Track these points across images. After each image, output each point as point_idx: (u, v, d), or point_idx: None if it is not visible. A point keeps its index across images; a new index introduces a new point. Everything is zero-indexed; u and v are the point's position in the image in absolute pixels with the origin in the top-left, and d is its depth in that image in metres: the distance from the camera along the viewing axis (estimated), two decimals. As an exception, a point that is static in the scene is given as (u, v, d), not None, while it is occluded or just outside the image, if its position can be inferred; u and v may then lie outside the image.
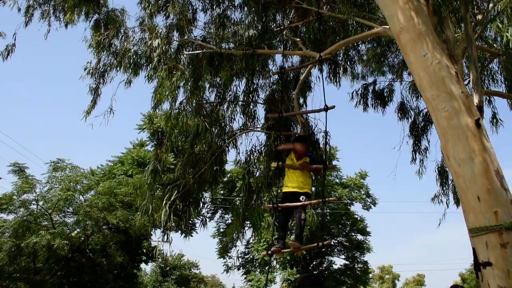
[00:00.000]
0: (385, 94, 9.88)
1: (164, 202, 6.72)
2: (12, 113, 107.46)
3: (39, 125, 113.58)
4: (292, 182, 5.29)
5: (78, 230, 19.64)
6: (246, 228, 9.31)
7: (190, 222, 24.04)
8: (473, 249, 3.85)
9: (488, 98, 9.03)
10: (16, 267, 17.39)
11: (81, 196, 19.50)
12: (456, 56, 5.79)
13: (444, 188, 9.55)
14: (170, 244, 7.34)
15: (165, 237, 7.55)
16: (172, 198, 6.76)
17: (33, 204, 18.25)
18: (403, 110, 9.88)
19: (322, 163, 5.31)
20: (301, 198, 5.16)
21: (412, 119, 9.87)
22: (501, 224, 3.42)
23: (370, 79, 10.28)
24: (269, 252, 4.83)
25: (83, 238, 19.72)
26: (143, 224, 16.46)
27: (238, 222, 7.97)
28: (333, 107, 4.95)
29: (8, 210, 17.94)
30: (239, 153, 8.05)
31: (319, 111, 5.20)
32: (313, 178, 5.55)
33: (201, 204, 8.01)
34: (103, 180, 21.20)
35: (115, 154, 27.59)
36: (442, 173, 9.51)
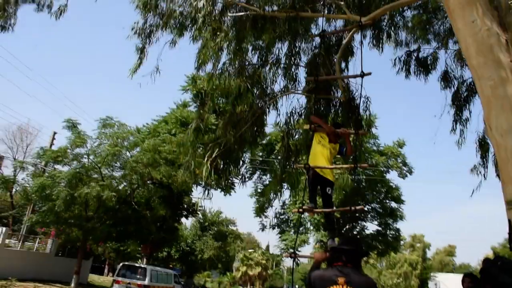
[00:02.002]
0: (429, 62, 9.56)
1: (206, 159, 7.01)
2: (64, 68, 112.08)
3: (90, 82, 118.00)
4: (321, 163, 5.12)
5: (124, 183, 20.75)
6: (283, 189, 9.54)
7: (230, 181, 24.83)
8: (509, 220, 3.84)
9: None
10: (71, 214, 18.74)
11: (127, 152, 20.37)
12: (508, 24, 5.53)
13: (484, 159, 9.32)
14: (210, 199, 7.67)
15: (206, 192, 7.93)
16: (213, 156, 7.05)
17: (85, 158, 19.36)
18: (446, 79, 9.54)
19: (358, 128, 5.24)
20: (327, 190, 5.08)
21: (455, 88, 9.54)
22: (541, 197, 3.42)
23: (414, 47, 9.94)
24: (301, 210, 4.97)
25: (129, 192, 20.85)
26: (185, 181, 17.16)
27: (275, 182, 8.21)
28: (369, 73, 4.94)
29: (63, 162, 19.20)
30: (279, 115, 8.16)
31: (355, 76, 5.18)
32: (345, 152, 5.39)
33: (241, 163, 8.27)
34: (148, 138, 22.03)
35: (160, 113, 28.58)
36: (483, 145, 9.27)
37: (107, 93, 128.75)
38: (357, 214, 28.41)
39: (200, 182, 19.90)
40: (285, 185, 9.38)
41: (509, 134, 3.93)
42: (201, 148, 7.84)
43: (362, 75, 5.01)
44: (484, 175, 9.81)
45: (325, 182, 5.11)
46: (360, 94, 5.20)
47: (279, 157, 8.14)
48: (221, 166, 7.47)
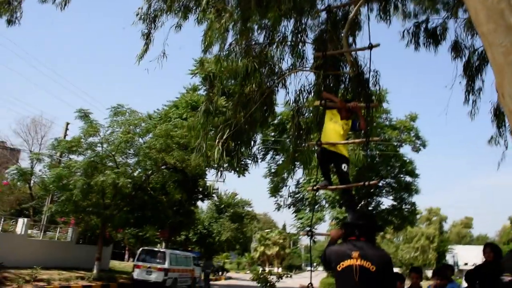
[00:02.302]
0: (438, 33, 9.35)
1: (217, 140, 7.03)
2: (73, 59, 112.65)
3: (99, 71, 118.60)
4: (333, 139, 4.98)
5: (139, 170, 21.03)
6: (296, 168, 9.54)
7: (243, 162, 24.97)
8: None
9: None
10: (89, 202, 19.12)
11: (140, 139, 20.57)
12: (519, -14, 5.37)
13: (500, 129, 9.17)
14: (223, 181, 7.71)
15: (219, 175, 7.99)
16: (224, 137, 7.07)
17: (99, 146, 19.61)
18: (456, 49, 9.33)
19: (368, 102, 5.16)
20: (343, 167, 4.91)
21: (466, 58, 9.34)
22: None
23: (423, 18, 9.69)
24: (315, 188, 4.98)
25: (144, 178, 21.13)
26: (198, 164, 17.27)
27: (288, 161, 8.23)
28: (377, 45, 4.86)
29: (77, 152, 19.50)
30: (288, 93, 8.12)
31: (363, 49, 5.10)
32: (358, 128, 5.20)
33: (252, 143, 8.28)
34: (160, 124, 22.15)
35: (170, 99, 28.72)
36: (498, 115, 9.10)
37: (119, 85, 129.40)
38: (371, 190, 28.43)
39: (214, 165, 20.08)
40: (298, 164, 9.37)
41: (522, 101, 3.83)
42: (212, 131, 7.84)
43: (370, 47, 4.93)
44: (505, 144, 9.67)
45: (339, 159, 5.01)
46: (369, 67, 5.16)
47: (290, 136, 8.09)
48: (233, 147, 7.49)
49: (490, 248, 6.09)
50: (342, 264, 3.14)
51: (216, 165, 7.29)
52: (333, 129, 5.05)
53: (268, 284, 16.46)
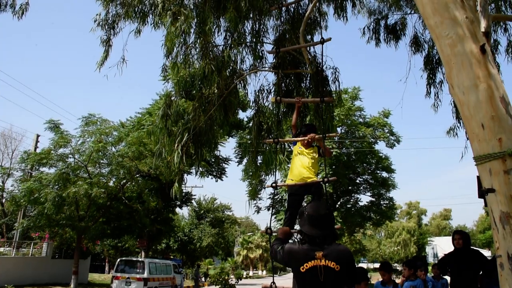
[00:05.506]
0: (398, 28, 9.54)
1: (176, 144, 6.93)
2: (40, 69, 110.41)
3: (70, 81, 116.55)
4: (296, 171, 4.91)
5: (113, 179, 20.63)
6: (259, 165, 9.48)
7: (219, 167, 24.82)
8: (477, 177, 3.84)
9: (504, 25, 8.57)
10: (62, 216, 18.64)
11: (113, 148, 20.21)
12: (462, -20, 5.47)
13: (460, 120, 9.37)
14: (185, 184, 7.59)
15: (181, 178, 7.84)
16: (183, 140, 6.96)
17: (70, 157, 19.18)
18: (416, 44, 9.54)
19: (322, 100, 5.14)
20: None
21: (426, 52, 9.55)
22: (505, 150, 3.33)
23: (382, 15, 9.88)
24: (273, 184, 4.91)
25: (118, 187, 20.76)
26: (172, 170, 16.98)
27: (250, 160, 8.21)
28: (329, 39, 4.93)
29: (48, 164, 19.00)
30: (247, 94, 8.11)
31: (316, 44, 5.16)
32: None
33: (213, 146, 8.20)
34: (133, 131, 21.80)
35: (143, 106, 28.34)
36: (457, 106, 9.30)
37: (89, 97, 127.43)
38: (349, 187, 28.65)
39: (190, 170, 19.82)
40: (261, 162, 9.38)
41: (470, 91, 3.91)
42: (171, 135, 7.71)
43: (322, 41, 5.00)
44: (467, 135, 9.90)
45: (310, 190, 4.93)
46: (322, 62, 5.22)
47: (252, 134, 8.03)
48: (193, 150, 7.39)
49: (459, 235, 6.21)
50: (306, 265, 3.01)
51: (175, 168, 7.15)
52: (299, 163, 4.95)
53: (227, 285, 16.54)
